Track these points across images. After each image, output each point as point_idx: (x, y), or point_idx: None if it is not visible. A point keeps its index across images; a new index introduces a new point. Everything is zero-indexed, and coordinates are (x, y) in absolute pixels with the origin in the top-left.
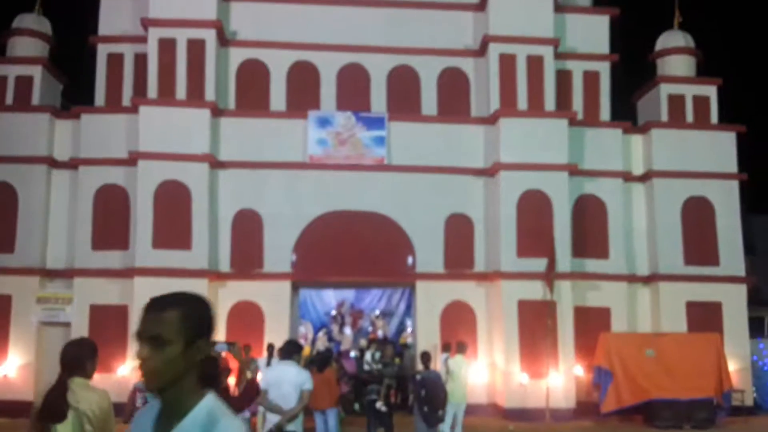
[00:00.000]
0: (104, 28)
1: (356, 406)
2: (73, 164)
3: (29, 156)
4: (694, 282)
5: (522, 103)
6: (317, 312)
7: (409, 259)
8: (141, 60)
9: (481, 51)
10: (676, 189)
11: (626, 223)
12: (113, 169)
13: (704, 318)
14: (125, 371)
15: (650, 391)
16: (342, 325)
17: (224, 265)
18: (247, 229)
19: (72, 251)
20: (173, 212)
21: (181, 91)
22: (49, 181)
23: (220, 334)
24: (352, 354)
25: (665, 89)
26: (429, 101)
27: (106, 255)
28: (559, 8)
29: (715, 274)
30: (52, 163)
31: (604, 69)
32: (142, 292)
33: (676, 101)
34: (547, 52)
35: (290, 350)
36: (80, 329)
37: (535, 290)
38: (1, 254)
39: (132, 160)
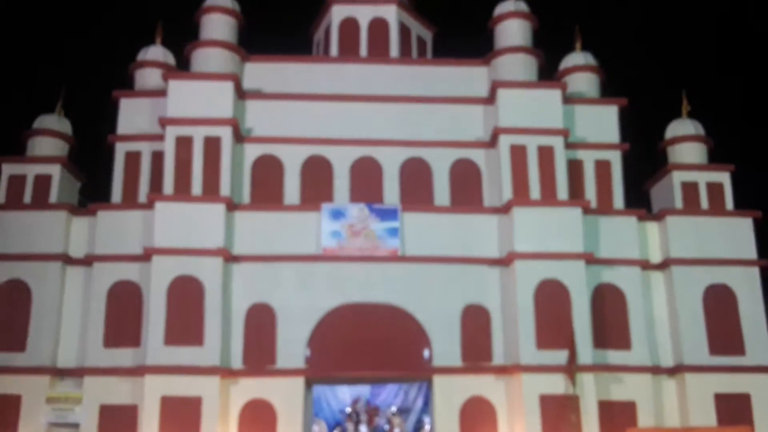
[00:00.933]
0: (123, 127)
1: None
2: (87, 261)
3: (44, 253)
4: (721, 372)
5: (534, 192)
6: (331, 409)
7: (426, 352)
8: (158, 157)
9: (491, 142)
10: (695, 277)
11: (647, 313)
12: (127, 265)
13: (733, 410)
14: None
15: None
16: (357, 423)
17: (236, 361)
18: (260, 323)
19: (83, 349)
20: (186, 308)
21: (196, 187)
22: (63, 278)
23: None
24: None
25: (678, 176)
26: (441, 192)
27: (118, 353)
28: (567, 99)
29: (741, 364)
30: (67, 260)
31: (615, 158)
32: (153, 390)
33: (689, 188)
34: (557, 142)
35: None
36: (89, 431)
37: (556, 384)
38: (12, 353)
39: (146, 255)
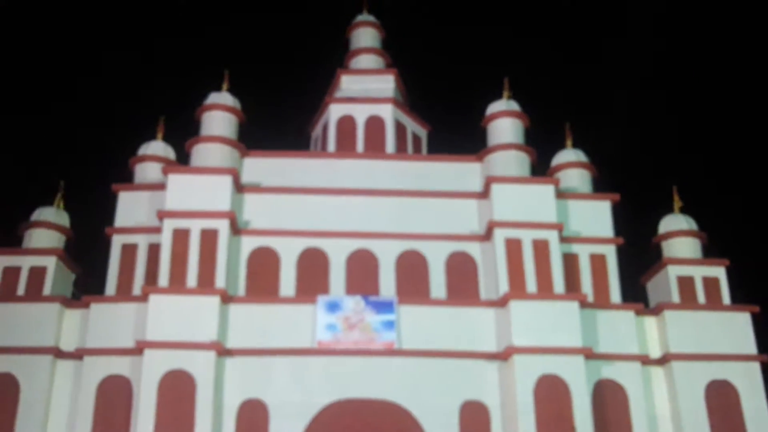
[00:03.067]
0: (121, 219)
1: None
2: (78, 354)
3: (35, 347)
4: None
5: (531, 285)
6: None
7: None
8: (154, 249)
9: (486, 236)
10: (696, 372)
11: (649, 409)
12: (118, 359)
13: None
14: None
15: None
16: None
17: None
18: (252, 420)
19: None
20: (176, 403)
21: (191, 279)
22: (53, 372)
23: None
24: None
25: (673, 271)
26: (438, 285)
27: None
28: (560, 194)
29: None
30: (58, 353)
31: (610, 252)
32: None
33: (685, 282)
34: (551, 236)
35: None
36: None
37: None
38: None
39: (138, 349)
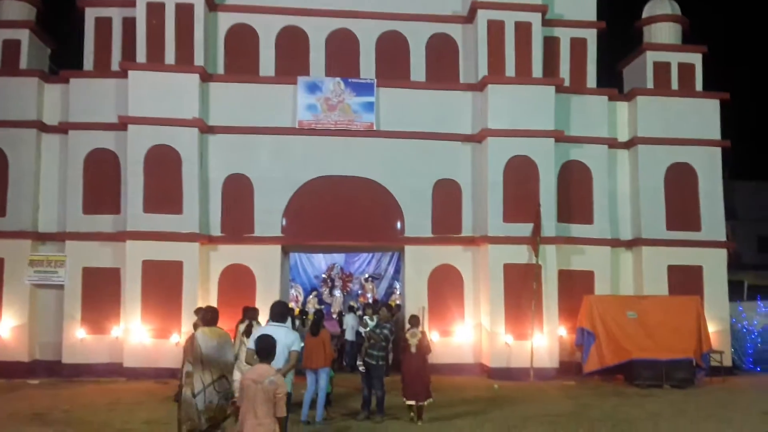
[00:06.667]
0: None
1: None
2: (62, 128)
3: (18, 120)
4: (676, 246)
5: (510, 69)
6: (308, 275)
7: (398, 224)
8: (129, 24)
9: (469, 17)
10: (659, 155)
11: (611, 189)
12: (103, 133)
13: (685, 281)
14: (119, 332)
15: (631, 351)
16: (332, 288)
17: (215, 229)
18: (238, 193)
19: (63, 215)
20: (164, 176)
21: (170, 56)
22: (39, 145)
23: (212, 297)
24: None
25: (651, 57)
26: (418, 67)
27: (98, 219)
28: None
29: (696, 239)
30: (42, 127)
31: (591, 36)
32: (134, 255)
33: (661, 69)
34: (534, 18)
35: (282, 312)
36: (74, 291)
37: (520, 254)
38: None
39: (122, 124)
